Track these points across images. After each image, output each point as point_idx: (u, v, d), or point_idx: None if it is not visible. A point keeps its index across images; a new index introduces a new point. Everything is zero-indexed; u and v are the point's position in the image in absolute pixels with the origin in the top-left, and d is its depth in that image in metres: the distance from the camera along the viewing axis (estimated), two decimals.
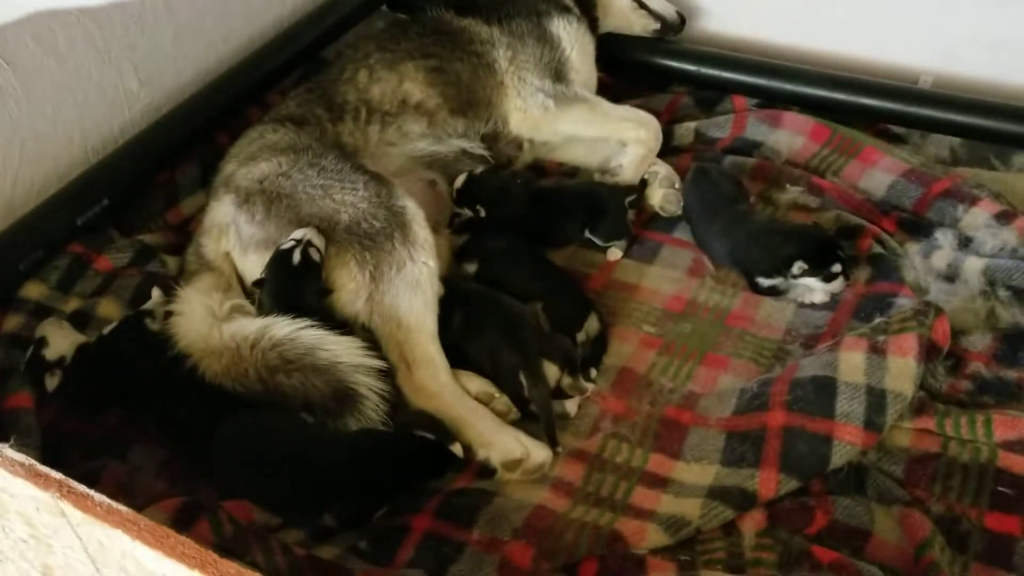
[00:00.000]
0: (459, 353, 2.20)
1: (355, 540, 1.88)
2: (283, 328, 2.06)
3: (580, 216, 2.59)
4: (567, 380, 2.16)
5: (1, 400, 2.06)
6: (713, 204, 2.55)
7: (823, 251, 2.35)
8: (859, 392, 1.97)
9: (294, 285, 2.16)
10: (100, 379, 2.13)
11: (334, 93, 2.64)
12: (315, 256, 2.17)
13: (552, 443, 2.06)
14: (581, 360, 2.22)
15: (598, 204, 2.60)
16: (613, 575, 1.79)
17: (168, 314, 2.21)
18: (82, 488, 1.33)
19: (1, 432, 1.75)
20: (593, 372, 2.22)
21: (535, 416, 2.12)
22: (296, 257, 2.14)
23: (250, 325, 2.12)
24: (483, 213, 2.58)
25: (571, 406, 2.15)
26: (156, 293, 2.30)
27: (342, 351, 2.04)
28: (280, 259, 2.17)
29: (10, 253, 2.32)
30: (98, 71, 2.57)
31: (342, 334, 2.08)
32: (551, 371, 2.14)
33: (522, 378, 2.10)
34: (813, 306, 2.37)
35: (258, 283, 2.24)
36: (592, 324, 2.30)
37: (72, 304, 2.31)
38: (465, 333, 2.22)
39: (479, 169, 2.66)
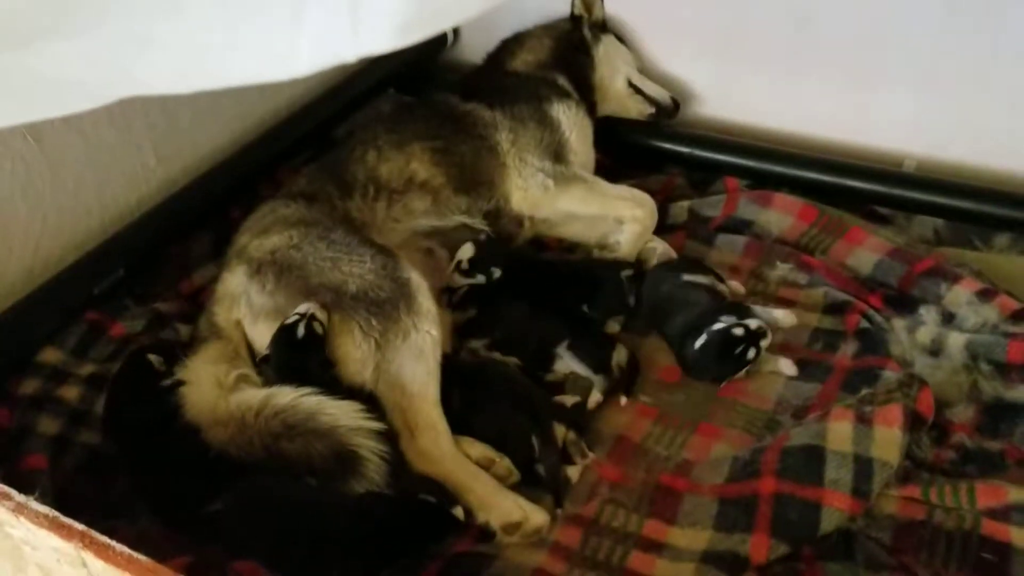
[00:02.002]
0: (462, 423, 2.26)
1: None
2: (285, 396, 2.13)
3: (577, 293, 2.64)
4: (571, 436, 2.23)
5: (17, 461, 2.11)
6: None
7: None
8: (847, 460, 2.03)
9: (298, 358, 2.22)
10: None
11: (344, 171, 2.74)
12: (318, 329, 2.23)
13: (558, 503, 2.11)
14: (619, 385, 2.40)
15: (594, 281, 2.65)
16: None
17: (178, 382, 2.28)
18: (104, 539, 1.40)
19: (19, 490, 1.81)
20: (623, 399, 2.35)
21: (534, 481, 2.17)
22: (300, 331, 2.21)
23: (254, 395, 2.18)
24: (498, 274, 2.62)
25: (573, 472, 2.20)
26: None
27: (341, 415, 2.09)
28: (285, 333, 2.24)
29: (29, 319, 2.39)
30: (119, 148, 2.69)
31: (343, 399, 2.13)
32: (559, 432, 2.21)
33: (534, 440, 2.16)
34: (802, 378, 2.42)
35: (264, 360, 2.30)
36: (621, 354, 2.41)
37: (87, 369, 2.38)
38: (468, 409, 2.27)
39: (482, 236, 2.74)
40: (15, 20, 0.76)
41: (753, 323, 2.38)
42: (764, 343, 2.39)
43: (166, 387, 2.25)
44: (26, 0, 0.77)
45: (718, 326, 2.38)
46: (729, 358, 2.38)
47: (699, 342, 2.38)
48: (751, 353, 2.37)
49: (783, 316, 2.53)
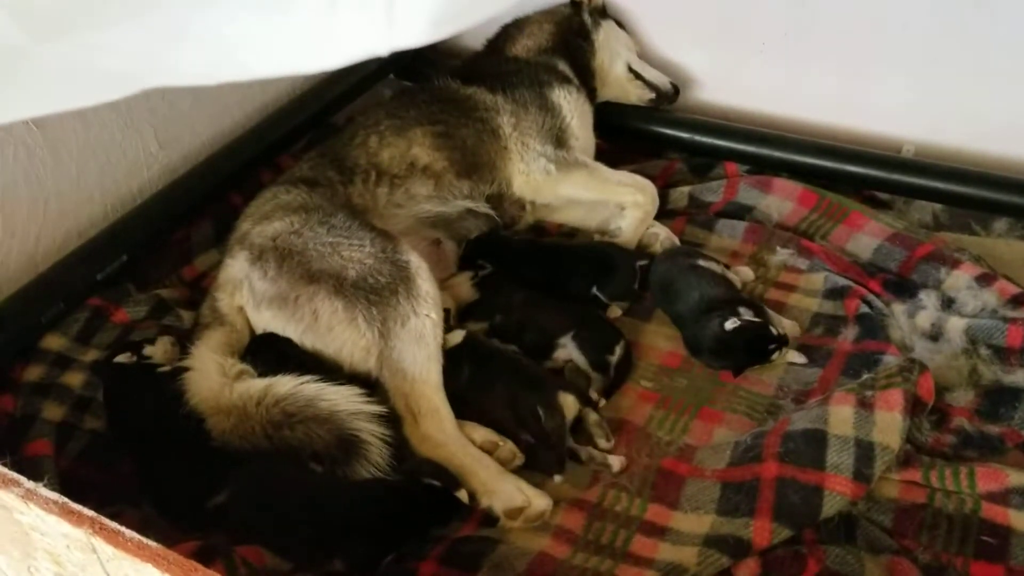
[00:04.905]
0: (465, 406, 2.27)
1: None
2: (285, 385, 2.14)
3: (589, 274, 2.65)
4: (593, 417, 2.26)
5: (22, 447, 2.12)
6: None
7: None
8: (848, 445, 2.04)
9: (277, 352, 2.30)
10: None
11: (345, 157, 2.74)
12: None
13: (560, 467, 2.14)
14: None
15: (609, 264, 2.67)
16: None
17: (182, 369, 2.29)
18: (113, 525, 1.40)
19: (26, 476, 1.82)
20: (602, 401, 2.35)
21: (536, 466, 2.20)
22: None
23: (255, 384, 2.19)
24: (487, 271, 2.65)
25: (615, 462, 2.20)
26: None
27: (341, 399, 2.10)
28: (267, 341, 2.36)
29: (32, 306, 2.40)
30: (120, 134, 2.69)
31: (343, 385, 2.14)
32: (568, 401, 2.22)
33: (540, 411, 2.17)
34: (803, 363, 2.44)
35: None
36: (621, 350, 2.41)
37: (91, 355, 2.39)
38: (476, 387, 2.29)
39: (483, 231, 2.76)
40: (50, 11, 0.76)
41: (781, 329, 2.41)
42: (785, 350, 2.41)
43: (166, 374, 2.27)
44: None
45: (750, 317, 2.39)
46: (758, 351, 2.38)
47: (730, 324, 2.36)
48: (776, 355, 2.39)
49: (790, 327, 2.52)
